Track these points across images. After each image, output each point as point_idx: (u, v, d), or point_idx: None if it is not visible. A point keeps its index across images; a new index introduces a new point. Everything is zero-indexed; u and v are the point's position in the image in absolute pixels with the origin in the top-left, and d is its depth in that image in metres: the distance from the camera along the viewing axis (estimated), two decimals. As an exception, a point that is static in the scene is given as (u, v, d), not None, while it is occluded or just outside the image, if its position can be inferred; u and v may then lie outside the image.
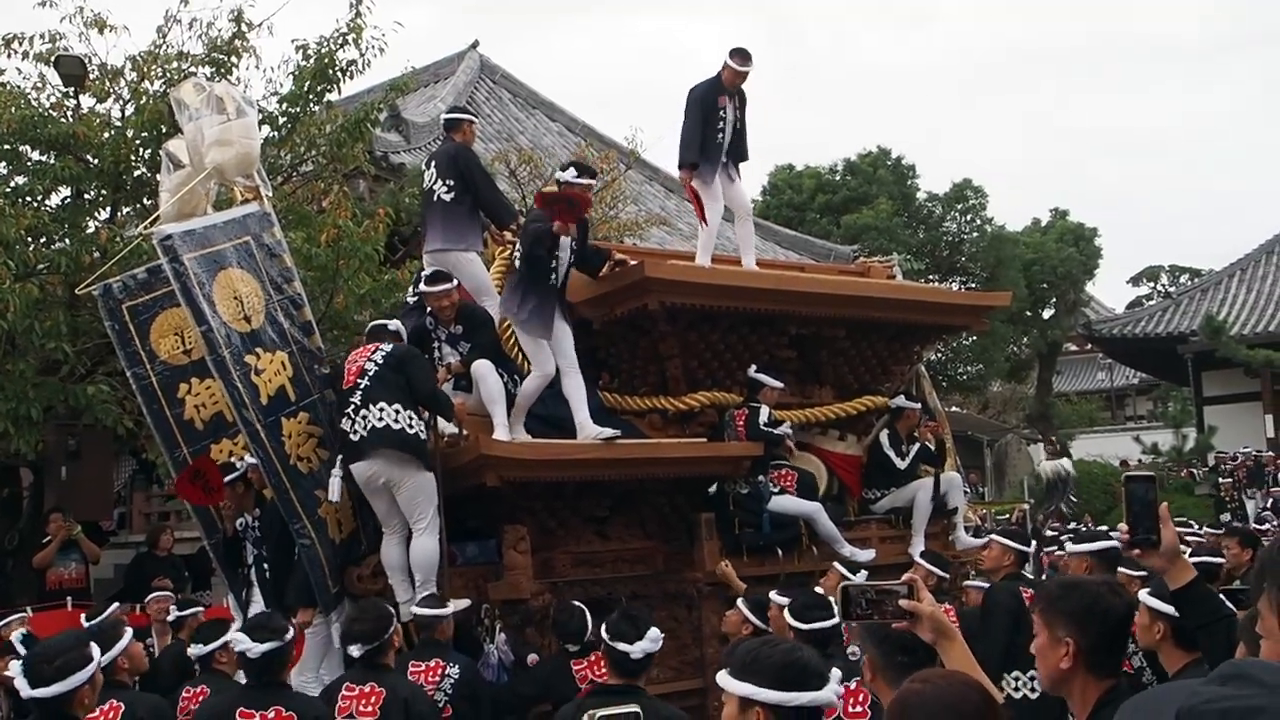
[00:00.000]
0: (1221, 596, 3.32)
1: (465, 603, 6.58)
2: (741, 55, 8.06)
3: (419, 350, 6.93)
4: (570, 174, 7.20)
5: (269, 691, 4.76)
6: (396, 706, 5.11)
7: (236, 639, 4.83)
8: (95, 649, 4.23)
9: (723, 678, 2.70)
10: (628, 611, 4.71)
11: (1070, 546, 6.37)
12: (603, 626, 4.55)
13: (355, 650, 5.31)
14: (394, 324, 7.09)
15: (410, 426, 6.44)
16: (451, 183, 7.50)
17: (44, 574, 10.22)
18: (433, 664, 5.75)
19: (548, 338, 7.04)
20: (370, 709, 5.12)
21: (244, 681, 4.97)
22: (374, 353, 6.62)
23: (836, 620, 5.37)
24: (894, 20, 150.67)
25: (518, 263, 7.19)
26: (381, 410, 6.41)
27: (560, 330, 7.14)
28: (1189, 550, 7.34)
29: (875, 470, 8.94)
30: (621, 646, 4.44)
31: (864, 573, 6.77)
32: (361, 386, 6.49)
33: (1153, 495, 2.97)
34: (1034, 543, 7.66)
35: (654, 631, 4.55)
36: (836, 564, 7.24)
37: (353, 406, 6.47)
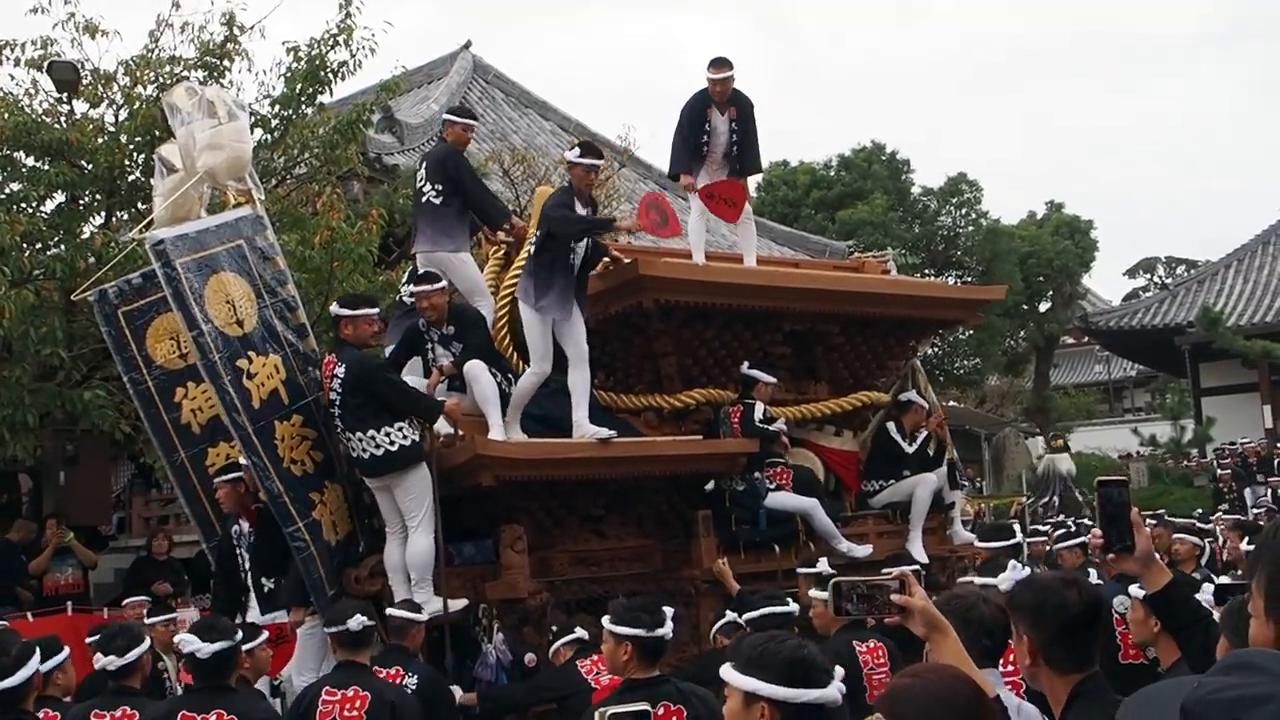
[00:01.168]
0: (1199, 599, 3.31)
1: (463, 602, 6.60)
2: (715, 64, 8.01)
3: (373, 362, 6.78)
4: (575, 154, 7.23)
5: (212, 695, 4.54)
6: (383, 710, 4.94)
7: (185, 639, 4.62)
8: (36, 646, 4.37)
9: (727, 671, 2.67)
10: (637, 602, 4.66)
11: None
12: (614, 620, 4.40)
13: (354, 624, 5.13)
14: (339, 310, 6.81)
15: (392, 444, 6.47)
16: (440, 185, 7.49)
17: (42, 580, 10.24)
18: (392, 671, 5.50)
19: (567, 317, 7.01)
20: (355, 713, 4.93)
21: (190, 685, 4.77)
22: (332, 379, 6.57)
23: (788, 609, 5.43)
24: (892, 18, 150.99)
25: (533, 248, 7.16)
26: (360, 440, 6.48)
27: (575, 318, 7.12)
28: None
29: (879, 459, 8.90)
30: (658, 632, 4.37)
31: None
32: (335, 414, 6.58)
33: (1126, 499, 2.92)
34: (1020, 534, 7.60)
35: (670, 609, 4.55)
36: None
37: (338, 428, 6.58)
